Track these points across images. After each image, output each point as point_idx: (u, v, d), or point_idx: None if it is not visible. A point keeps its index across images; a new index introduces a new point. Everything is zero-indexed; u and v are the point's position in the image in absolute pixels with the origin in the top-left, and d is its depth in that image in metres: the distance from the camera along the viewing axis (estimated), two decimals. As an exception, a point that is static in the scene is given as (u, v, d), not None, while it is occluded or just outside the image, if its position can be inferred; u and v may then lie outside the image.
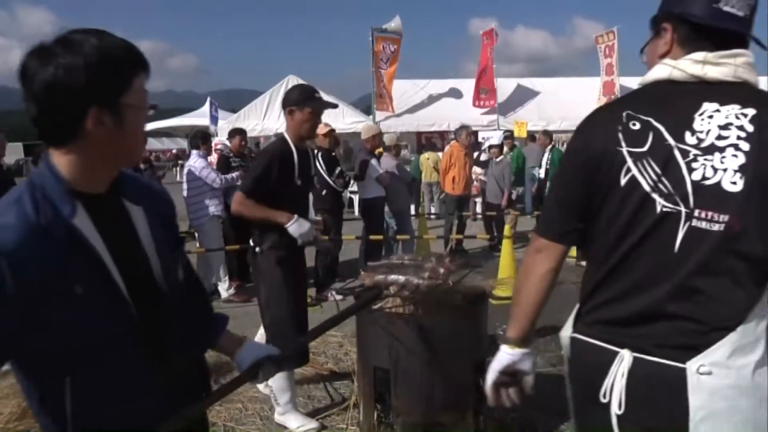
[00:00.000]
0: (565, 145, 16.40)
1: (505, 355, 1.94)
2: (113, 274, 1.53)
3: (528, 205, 15.36)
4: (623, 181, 1.65)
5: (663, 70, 1.72)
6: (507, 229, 8.00)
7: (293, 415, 4.27)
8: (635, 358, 1.66)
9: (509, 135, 11.88)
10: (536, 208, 12.92)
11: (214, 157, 9.61)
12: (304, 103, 4.04)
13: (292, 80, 17.22)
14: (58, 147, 1.52)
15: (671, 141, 1.63)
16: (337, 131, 9.02)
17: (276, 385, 4.18)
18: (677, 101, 1.68)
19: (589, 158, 1.72)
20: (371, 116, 17.07)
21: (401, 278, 3.23)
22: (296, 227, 3.93)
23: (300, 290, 4.18)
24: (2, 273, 1.37)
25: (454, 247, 10.04)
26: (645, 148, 1.64)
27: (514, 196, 11.64)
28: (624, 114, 1.70)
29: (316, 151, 7.77)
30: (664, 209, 1.62)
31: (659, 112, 1.67)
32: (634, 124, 1.67)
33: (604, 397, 1.70)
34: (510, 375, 1.95)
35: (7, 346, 1.45)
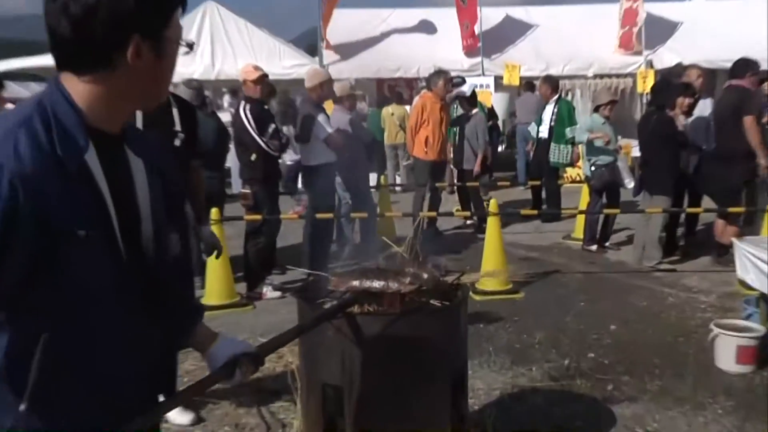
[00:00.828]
0: (572, 96, 16.52)
1: None
2: (114, 224, 1.74)
3: (521, 173, 15.41)
4: None
5: None
6: (493, 204, 8.03)
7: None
8: None
9: (460, 82, 11.54)
10: (533, 177, 12.93)
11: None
12: None
13: (211, 8, 16.97)
14: (81, 74, 1.70)
15: None
16: (271, 77, 8.93)
17: None
18: None
19: None
20: (317, 58, 16.95)
21: (378, 284, 3.32)
22: None
23: None
24: (20, 202, 1.55)
25: (426, 227, 10.06)
26: None
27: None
28: None
29: (243, 104, 7.68)
30: None
31: None
32: None
33: None
34: None
35: (12, 290, 1.61)
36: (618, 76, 17.08)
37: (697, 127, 8.90)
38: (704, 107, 9.45)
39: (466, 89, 11.30)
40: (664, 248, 9.00)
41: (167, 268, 1.95)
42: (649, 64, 16.69)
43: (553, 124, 11.99)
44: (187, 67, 15.39)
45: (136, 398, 1.86)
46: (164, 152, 2.04)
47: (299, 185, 11.23)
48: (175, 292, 2.02)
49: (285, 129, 8.08)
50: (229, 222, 8.07)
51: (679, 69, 10.85)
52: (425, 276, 3.41)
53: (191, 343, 2.17)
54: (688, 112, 8.92)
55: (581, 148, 10.73)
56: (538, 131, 12.44)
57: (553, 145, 11.87)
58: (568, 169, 13.97)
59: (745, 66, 8.16)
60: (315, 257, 7.75)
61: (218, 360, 2.11)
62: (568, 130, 11.43)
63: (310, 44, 20.53)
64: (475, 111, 11.23)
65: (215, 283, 7.41)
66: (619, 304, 7.42)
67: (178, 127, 4.53)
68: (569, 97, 15.87)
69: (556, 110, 12.06)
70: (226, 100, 17.57)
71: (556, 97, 12.35)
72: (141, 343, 1.84)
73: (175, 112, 4.52)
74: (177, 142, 4.55)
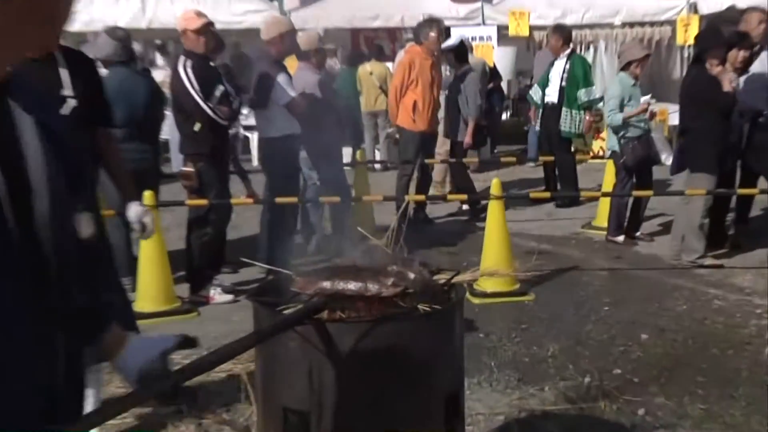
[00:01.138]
0: (595, 50, 16.50)
1: None
2: (1, 192, 1.64)
3: (531, 147, 15.40)
4: None
5: None
6: (495, 185, 8.04)
7: None
8: None
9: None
10: (544, 151, 12.82)
11: None
12: None
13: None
14: None
15: None
16: (218, 26, 8.91)
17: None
18: None
19: None
20: (276, 2, 16.88)
21: (353, 285, 3.31)
22: None
23: None
24: None
25: (413, 214, 10.08)
26: None
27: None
28: None
29: (183, 60, 7.66)
30: None
31: None
32: None
33: None
34: None
35: None
36: (652, 24, 16.97)
37: (754, 86, 8.59)
38: (766, 61, 9.07)
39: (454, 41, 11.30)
40: (709, 239, 8.86)
41: (70, 255, 1.85)
42: (693, 9, 16.45)
43: (564, 84, 11.88)
44: (110, 13, 15.30)
45: (32, 415, 1.75)
46: (60, 111, 2.00)
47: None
48: (79, 285, 1.94)
49: (235, 92, 8.06)
50: (168, 208, 8.05)
51: (733, 13, 10.64)
52: (411, 275, 3.39)
53: (102, 350, 2.07)
54: (744, 69, 8.62)
55: (604, 120, 10.67)
56: (543, 94, 12.29)
57: (564, 110, 11.77)
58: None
59: None
60: (275, 251, 7.76)
61: (130, 370, 2.04)
62: (582, 92, 11.40)
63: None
64: (467, 67, 11.25)
65: (150, 285, 7.39)
66: (653, 308, 7.46)
67: (68, 90, 4.43)
68: (590, 53, 15.87)
69: (568, 68, 11.92)
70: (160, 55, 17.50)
71: (568, 51, 12.15)
72: (37, 349, 1.76)
73: (63, 72, 4.43)
74: (66, 111, 4.41)
